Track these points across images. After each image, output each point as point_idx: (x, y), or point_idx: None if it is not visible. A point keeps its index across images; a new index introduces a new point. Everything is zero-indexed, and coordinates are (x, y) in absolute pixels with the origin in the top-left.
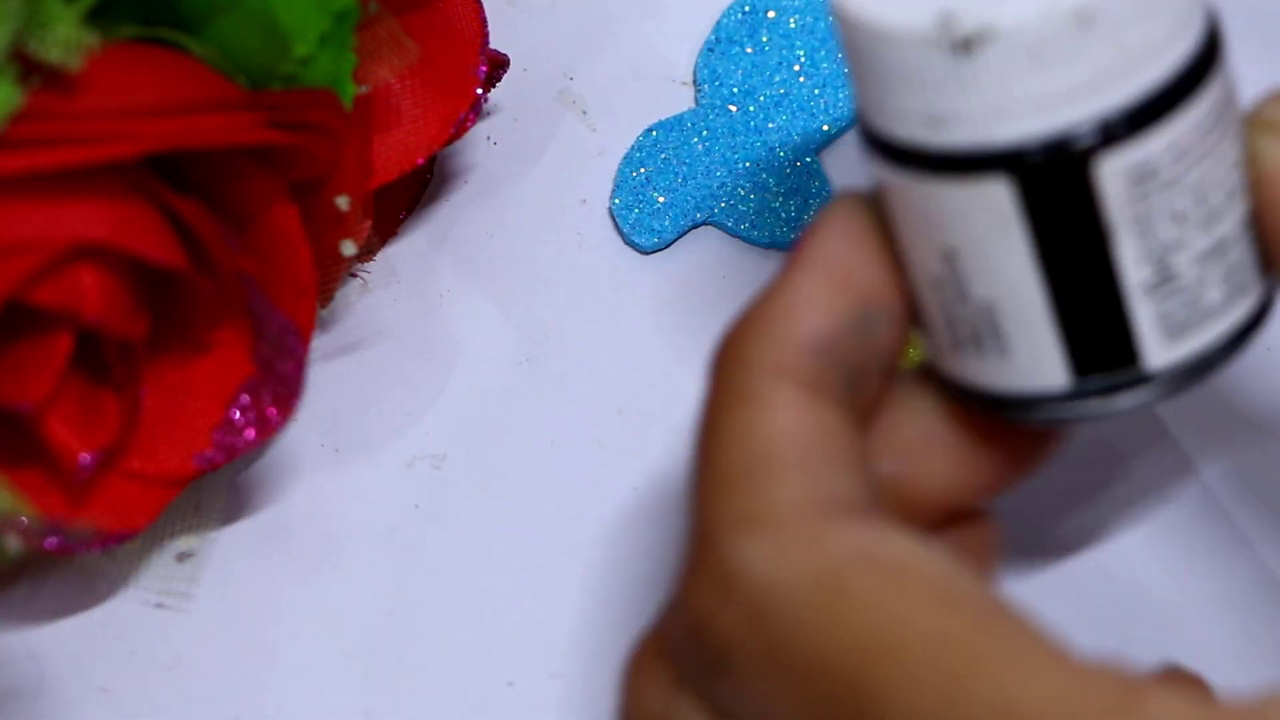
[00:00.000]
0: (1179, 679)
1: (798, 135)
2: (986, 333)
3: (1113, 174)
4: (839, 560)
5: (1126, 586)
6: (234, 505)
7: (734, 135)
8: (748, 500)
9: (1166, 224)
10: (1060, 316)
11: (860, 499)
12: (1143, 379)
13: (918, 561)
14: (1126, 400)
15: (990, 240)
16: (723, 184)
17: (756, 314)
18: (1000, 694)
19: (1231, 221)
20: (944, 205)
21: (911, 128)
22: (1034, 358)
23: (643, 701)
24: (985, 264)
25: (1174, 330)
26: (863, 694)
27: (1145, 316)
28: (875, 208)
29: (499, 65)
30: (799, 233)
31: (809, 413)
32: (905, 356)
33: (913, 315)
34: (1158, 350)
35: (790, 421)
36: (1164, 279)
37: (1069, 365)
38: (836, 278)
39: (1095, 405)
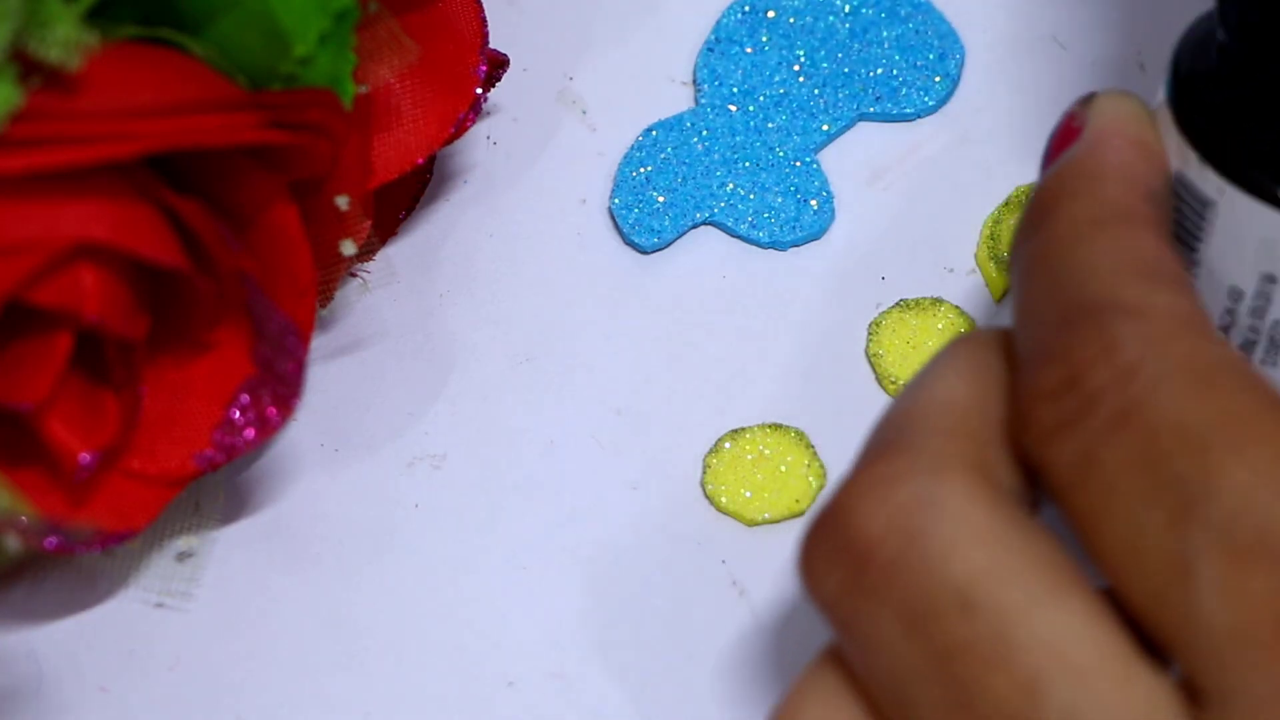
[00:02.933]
0: None
1: (798, 135)
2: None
3: None
4: (1216, 360)
5: None
6: (234, 505)
7: (734, 135)
8: (1134, 298)
9: None
10: None
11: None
12: None
13: None
14: None
15: None
16: (723, 184)
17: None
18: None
19: None
20: None
21: None
22: None
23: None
24: None
25: None
26: (1203, 459)
27: None
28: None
29: (499, 65)
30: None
31: (1168, 250)
32: None
33: None
34: None
35: (1158, 249)
36: None
37: None
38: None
39: None
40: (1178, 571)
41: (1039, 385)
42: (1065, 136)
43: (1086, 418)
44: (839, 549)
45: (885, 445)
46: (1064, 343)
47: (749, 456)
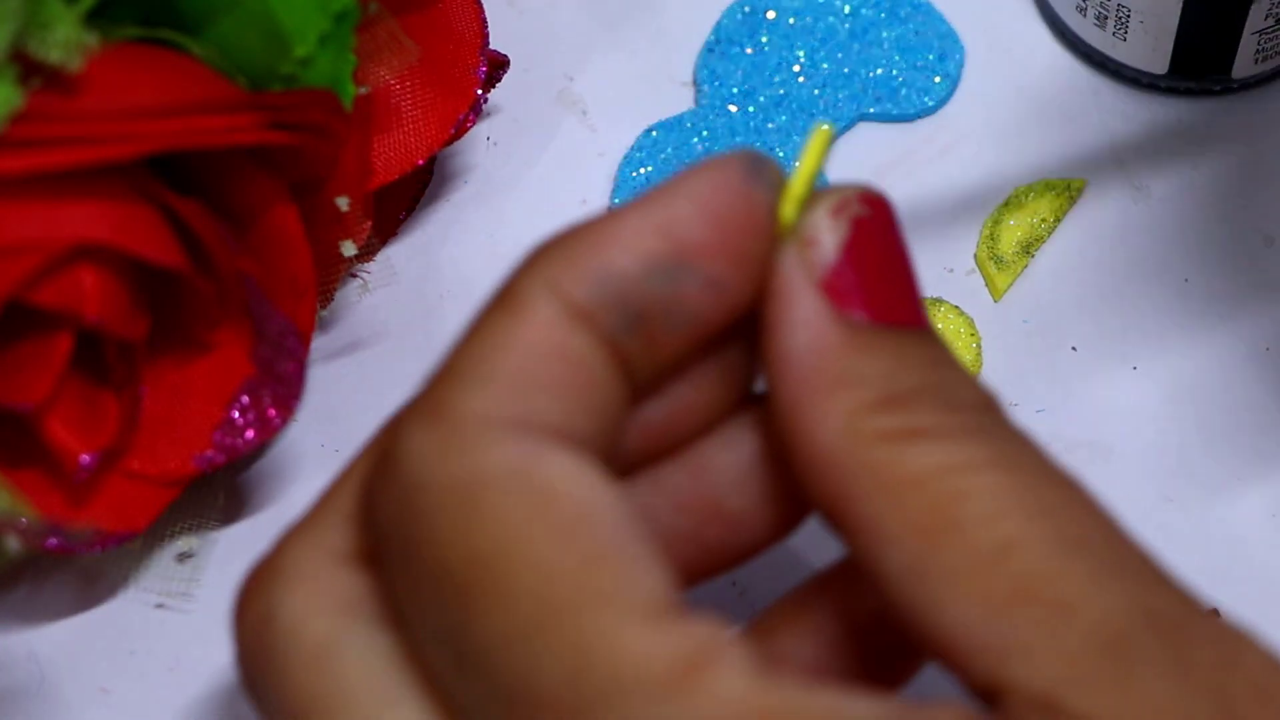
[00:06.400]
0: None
1: (798, 135)
2: (1115, 16)
3: None
4: (488, 472)
5: None
6: (234, 505)
7: (734, 135)
8: (442, 395)
9: None
10: (1182, 32)
11: (563, 426)
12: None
13: (567, 487)
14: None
15: None
16: None
17: (567, 232)
18: (575, 637)
19: None
20: None
21: None
22: (1145, 49)
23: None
24: None
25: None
26: (467, 607)
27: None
28: (761, 186)
29: (499, 65)
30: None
31: (558, 332)
32: None
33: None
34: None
35: (534, 335)
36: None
37: (1170, 62)
38: (660, 222)
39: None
40: None
41: (358, 503)
42: None
43: (384, 549)
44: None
45: (283, 533)
46: (369, 462)
47: None
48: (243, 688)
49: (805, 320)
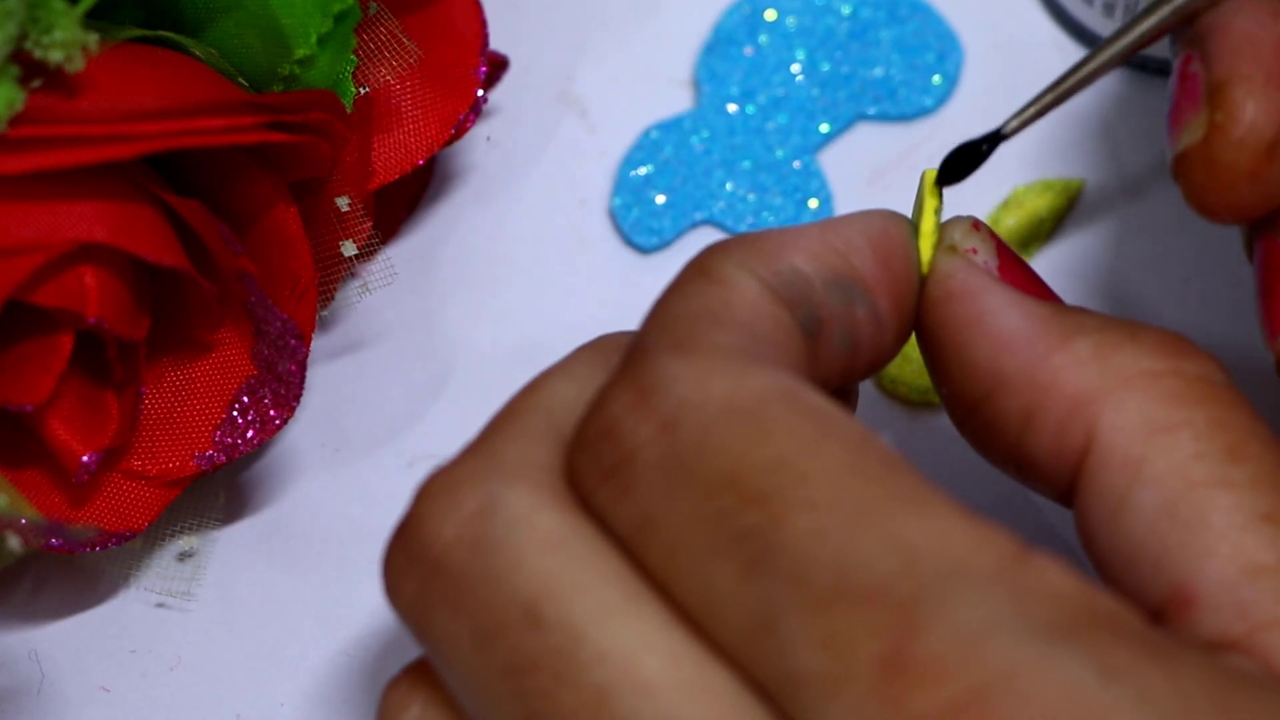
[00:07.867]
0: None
1: (797, 135)
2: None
3: None
4: (761, 391)
5: None
6: (234, 505)
7: (733, 135)
8: (686, 335)
9: None
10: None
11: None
12: None
13: (837, 411)
14: None
15: None
16: (722, 184)
17: (747, 235)
18: (902, 528)
19: None
20: None
21: None
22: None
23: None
24: None
25: None
26: (766, 510)
27: None
28: (915, 245)
29: (499, 66)
30: None
31: (767, 301)
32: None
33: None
34: None
35: (747, 299)
36: None
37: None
38: (839, 245)
39: None
40: (761, 627)
41: (580, 432)
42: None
43: (627, 473)
44: (412, 557)
45: (470, 445)
46: (605, 393)
47: None
48: (425, 596)
49: (1006, 305)
